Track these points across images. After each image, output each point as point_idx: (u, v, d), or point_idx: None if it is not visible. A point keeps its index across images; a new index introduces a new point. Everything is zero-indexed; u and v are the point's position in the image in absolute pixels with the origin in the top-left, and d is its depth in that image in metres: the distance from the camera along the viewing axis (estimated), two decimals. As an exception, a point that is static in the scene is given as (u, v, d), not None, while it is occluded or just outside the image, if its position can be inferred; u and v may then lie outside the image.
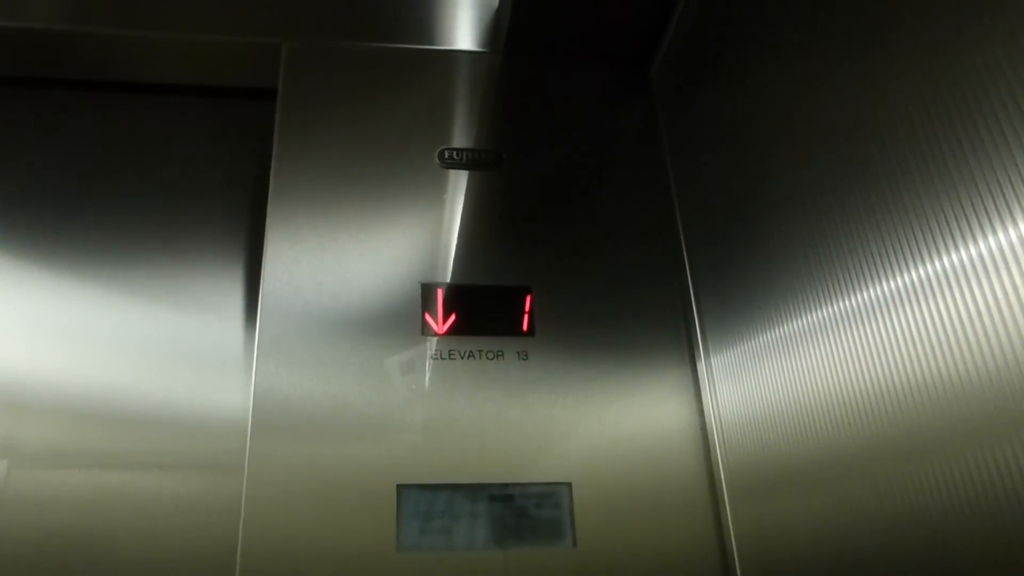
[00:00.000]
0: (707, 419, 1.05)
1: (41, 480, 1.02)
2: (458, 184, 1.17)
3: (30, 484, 1.01)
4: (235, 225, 1.20)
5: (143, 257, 1.16)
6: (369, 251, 1.11)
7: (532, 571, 0.95)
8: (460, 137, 1.20)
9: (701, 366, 1.08)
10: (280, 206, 1.11)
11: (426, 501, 0.97)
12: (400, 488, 0.97)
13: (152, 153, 1.23)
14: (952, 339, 0.62)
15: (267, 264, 1.08)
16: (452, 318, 1.08)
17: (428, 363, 1.05)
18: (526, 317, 1.09)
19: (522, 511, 0.98)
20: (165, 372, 1.09)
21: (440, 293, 1.09)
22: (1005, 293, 0.57)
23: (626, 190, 1.21)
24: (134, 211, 1.18)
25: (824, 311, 0.79)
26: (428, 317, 1.07)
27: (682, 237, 1.17)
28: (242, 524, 0.92)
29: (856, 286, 0.74)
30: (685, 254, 1.16)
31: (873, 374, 0.71)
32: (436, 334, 1.07)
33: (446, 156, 1.18)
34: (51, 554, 0.98)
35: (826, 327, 0.78)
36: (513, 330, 1.08)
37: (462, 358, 1.06)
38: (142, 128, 1.24)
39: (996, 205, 0.58)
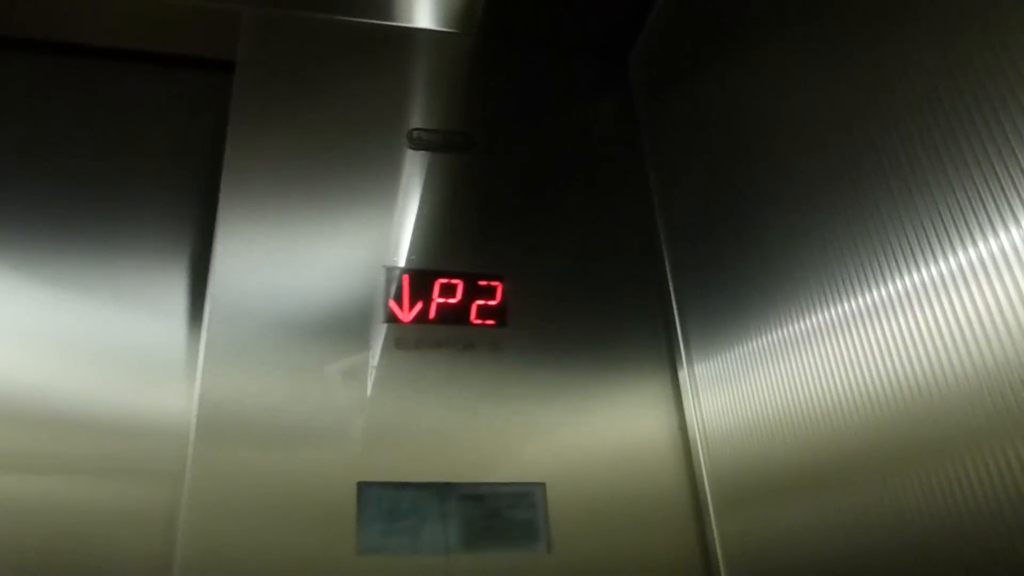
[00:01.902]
0: (689, 426, 1.00)
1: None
2: (428, 166, 1.10)
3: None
4: (184, 206, 1.09)
5: (78, 242, 1.03)
6: (330, 232, 1.03)
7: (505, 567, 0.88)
8: (431, 118, 1.13)
9: (683, 372, 1.03)
10: (234, 182, 1.03)
11: (389, 500, 0.89)
12: (361, 486, 0.89)
13: (93, 125, 1.11)
14: (945, 345, 0.59)
15: (219, 241, 0.99)
16: (419, 306, 1.01)
17: (392, 353, 0.97)
18: (499, 307, 1.03)
19: (493, 512, 0.91)
20: (100, 369, 0.98)
21: (407, 279, 1.02)
22: (1008, 294, 0.54)
23: (603, 182, 1.16)
24: (70, 189, 1.06)
25: (816, 317, 0.75)
26: (393, 304, 1.00)
27: (662, 234, 1.12)
28: (180, 533, 0.83)
29: (849, 291, 0.71)
30: (665, 252, 1.11)
31: (865, 380, 0.68)
32: (401, 322, 0.99)
33: (415, 136, 1.11)
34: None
35: (818, 333, 0.75)
36: (485, 320, 1.02)
37: (430, 348, 0.99)
38: (83, 96, 1.13)
39: (983, 210, 0.56)
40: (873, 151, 0.68)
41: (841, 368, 0.71)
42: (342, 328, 0.97)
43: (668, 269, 1.09)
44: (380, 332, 0.98)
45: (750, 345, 0.87)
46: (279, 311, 0.96)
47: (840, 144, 0.72)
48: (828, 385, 0.73)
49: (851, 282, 0.70)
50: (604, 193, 1.16)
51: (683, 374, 1.03)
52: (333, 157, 1.08)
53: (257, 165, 1.05)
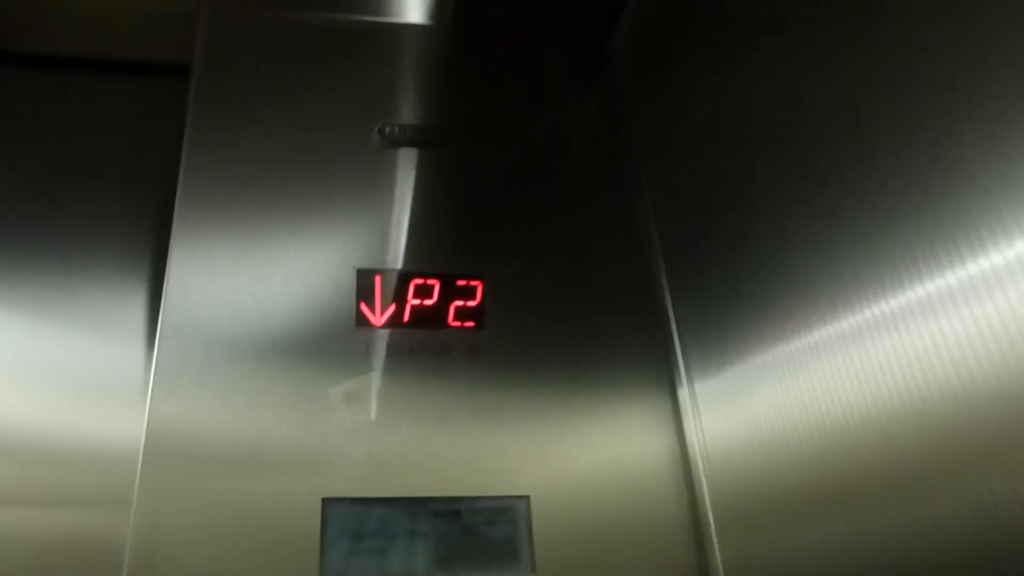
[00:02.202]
0: (690, 444, 0.91)
1: None
2: (400, 162, 1.04)
3: None
4: (139, 215, 1.03)
5: (23, 257, 0.97)
6: (296, 237, 0.96)
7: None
8: (402, 113, 1.07)
9: (683, 390, 0.94)
10: (191, 190, 0.96)
11: (357, 518, 0.81)
12: (326, 503, 0.81)
13: (37, 136, 1.05)
14: (975, 352, 0.51)
15: (174, 252, 0.92)
16: (392, 309, 0.94)
17: (363, 359, 0.90)
18: (478, 308, 0.95)
19: (471, 529, 0.82)
20: (47, 391, 0.90)
21: (379, 280, 0.95)
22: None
23: (587, 179, 1.09)
24: (13, 201, 1.01)
25: (828, 328, 0.67)
26: (364, 307, 0.93)
27: (655, 238, 1.03)
28: (126, 565, 0.75)
29: (865, 300, 0.62)
30: (659, 257, 1.02)
31: (881, 397, 0.60)
32: (373, 326, 0.92)
33: (386, 132, 1.05)
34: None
35: (830, 345, 0.66)
36: (463, 322, 0.94)
37: (403, 353, 0.91)
38: (32, 108, 1.07)
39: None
40: (888, 146, 0.60)
41: (856, 382, 0.63)
42: (308, 337, 0.90)
43: (663, 276, 1.01)
44: (350, 337, 0.91)
45: (756, 359, 0.78)
46: (239, 322, 0.89)
47: (851, 137, 0.64)
48: (842, 400, 0.65)
49: (866, 290, 0.62)
50: (589, 191, 1.08)
51: (683, 392, 0.94)
52: (299, 158, 1.01)
53: (216, 170, 0.98)
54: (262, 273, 0.93)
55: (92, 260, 0.99)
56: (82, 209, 1.02)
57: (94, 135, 1.07)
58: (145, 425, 0.82)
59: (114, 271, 0.99)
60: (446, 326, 0.94)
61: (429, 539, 0.81)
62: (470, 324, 0.94)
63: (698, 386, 0.91)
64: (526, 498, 0.85)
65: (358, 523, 0.80)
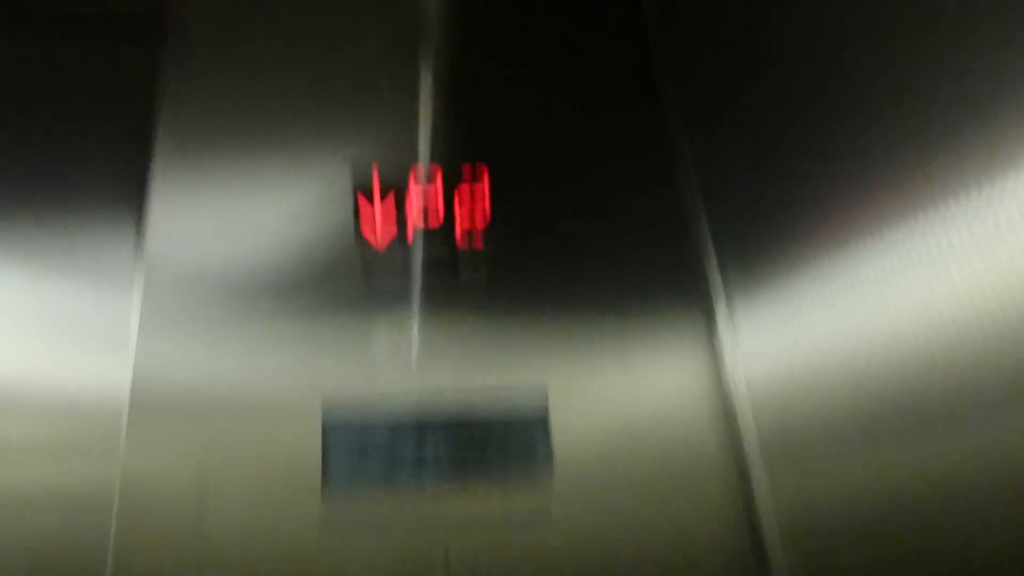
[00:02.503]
0: (728, 366, 0.82)
1: None
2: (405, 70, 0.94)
3: None
4: (120, 150, 0.94)
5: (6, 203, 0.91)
6: (290, 139, 0.90)
7: (497, 510, 0.75)
8: (415, 26, 0.96)
9: (721, 307, 0.84)
10: (174, 111, 0.91)
11: (360, 432, 0.76)
12: (327, 411, 0.76)
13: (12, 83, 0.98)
14: None
15: (155, 181, 0.87)
16: (392, 211, 0.86)
17: (362, 282, 0.84)
18: (485, 199, 0.87)
19: (485, 439, 0.77)
20: (30, 341, 0.86)
21: (375, 171, 0.87)
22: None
23: (607, 94, 0.97)
24: None
25: (888, 237, 0.57)
26: (362, 200, 0.86)
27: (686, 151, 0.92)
28: (115, 515, 0.73)
29: (928, 210, 0.53)
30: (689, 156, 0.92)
31: (948, 316, 0.51)
32: (373, 248, 0.85)
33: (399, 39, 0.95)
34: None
35: (888, 262, 0.57)
36: (471, 225, 0.86)
37: (408, 264, 0.85)
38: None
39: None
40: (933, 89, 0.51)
41: (918, 304, 0.55)
42: (302, 262, 0.84)
43: (693, 178, 0.90)
44: (347, 259, 0.85)
45: (807, 274, 0.69)
46: (227, 242, 0.85)
47: (892, 78, 0.55)
48: (904, 322, 0.56)
49: (940, 198, 0.52)
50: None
51: (720, 308, 0.84)
52: (291, 67, 0.94)
53: (199, 92, 0.92)
54: (254, 187, 0.87)
55: (77, 199, 0.91)
56: (63, 145, 0.93)
57: (70, 73, 0.98)
58: (131, 366, 0.78)
59: (101, 211, 0.92)
60: (452, 235, 0.86)
61: (439, 448, 0.76)
62: (479, 227, 0.86)
63: (739, 303, 0.81)
64: (544, 409, 0.79)
65: (361, 439, 0.76)
